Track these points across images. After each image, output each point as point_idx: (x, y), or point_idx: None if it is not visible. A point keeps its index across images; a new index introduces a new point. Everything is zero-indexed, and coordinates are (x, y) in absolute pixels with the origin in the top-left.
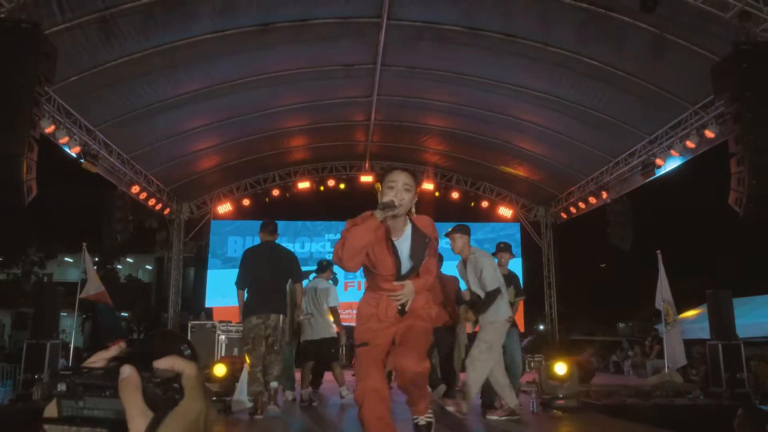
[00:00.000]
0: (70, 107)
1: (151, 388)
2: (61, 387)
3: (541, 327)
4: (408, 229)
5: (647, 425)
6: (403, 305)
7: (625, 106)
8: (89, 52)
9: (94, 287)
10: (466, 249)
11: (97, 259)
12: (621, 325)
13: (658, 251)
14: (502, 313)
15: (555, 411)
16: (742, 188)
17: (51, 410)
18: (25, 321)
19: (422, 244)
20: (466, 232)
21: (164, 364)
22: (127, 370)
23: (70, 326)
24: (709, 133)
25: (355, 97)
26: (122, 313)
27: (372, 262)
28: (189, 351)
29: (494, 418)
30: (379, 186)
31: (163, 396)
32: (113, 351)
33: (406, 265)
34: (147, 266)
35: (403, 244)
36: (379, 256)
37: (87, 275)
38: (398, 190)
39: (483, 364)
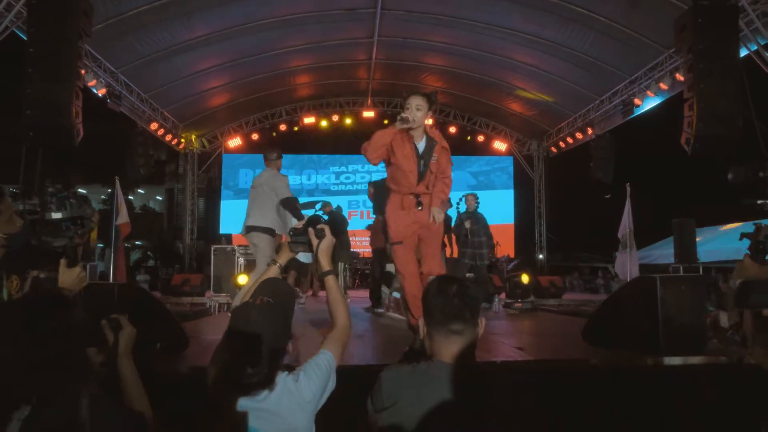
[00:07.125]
0: (96, 52)
1: (317, 234)
2: (293, 233)
3: (540, 257)
4: (424, 137)
5: (581, 318)
6: (417, 197)
7: (607, 49)
8: (114, 2)
9: (123, 217)
10: None
11: (109, 190)
12: (616, 254)
13: (627, 184)
14: None
15: (512, 310)
16: (691, 130)
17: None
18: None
19: (431, 144)
20: None
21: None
22: (311, 230)
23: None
24: (679, 76)
25: (357, 38)
26: (137, 242)
27: (397, 159)
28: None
29: None
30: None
31: (318, 236)
32: (302, 223)
33: (422, 160)
34: (157, 197)
35: (420, 145)
36: (403, 153)
37: (120, 205)
38: (411, 109)
39: None
